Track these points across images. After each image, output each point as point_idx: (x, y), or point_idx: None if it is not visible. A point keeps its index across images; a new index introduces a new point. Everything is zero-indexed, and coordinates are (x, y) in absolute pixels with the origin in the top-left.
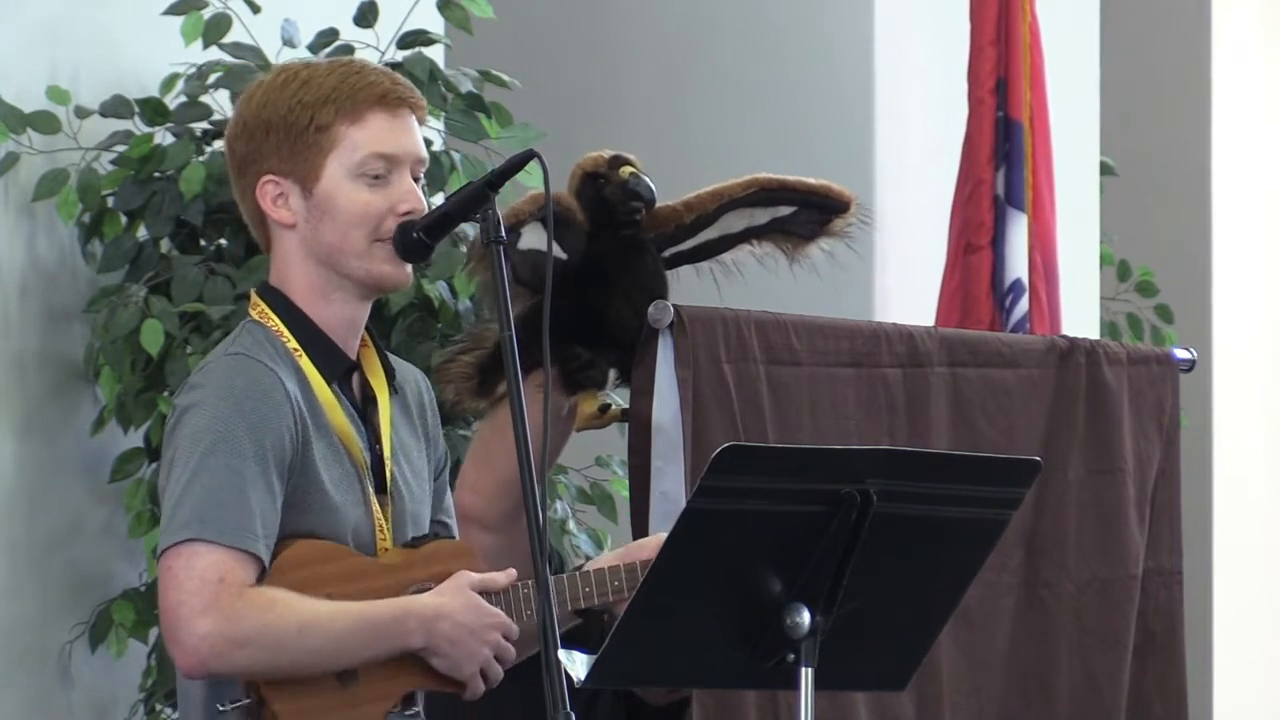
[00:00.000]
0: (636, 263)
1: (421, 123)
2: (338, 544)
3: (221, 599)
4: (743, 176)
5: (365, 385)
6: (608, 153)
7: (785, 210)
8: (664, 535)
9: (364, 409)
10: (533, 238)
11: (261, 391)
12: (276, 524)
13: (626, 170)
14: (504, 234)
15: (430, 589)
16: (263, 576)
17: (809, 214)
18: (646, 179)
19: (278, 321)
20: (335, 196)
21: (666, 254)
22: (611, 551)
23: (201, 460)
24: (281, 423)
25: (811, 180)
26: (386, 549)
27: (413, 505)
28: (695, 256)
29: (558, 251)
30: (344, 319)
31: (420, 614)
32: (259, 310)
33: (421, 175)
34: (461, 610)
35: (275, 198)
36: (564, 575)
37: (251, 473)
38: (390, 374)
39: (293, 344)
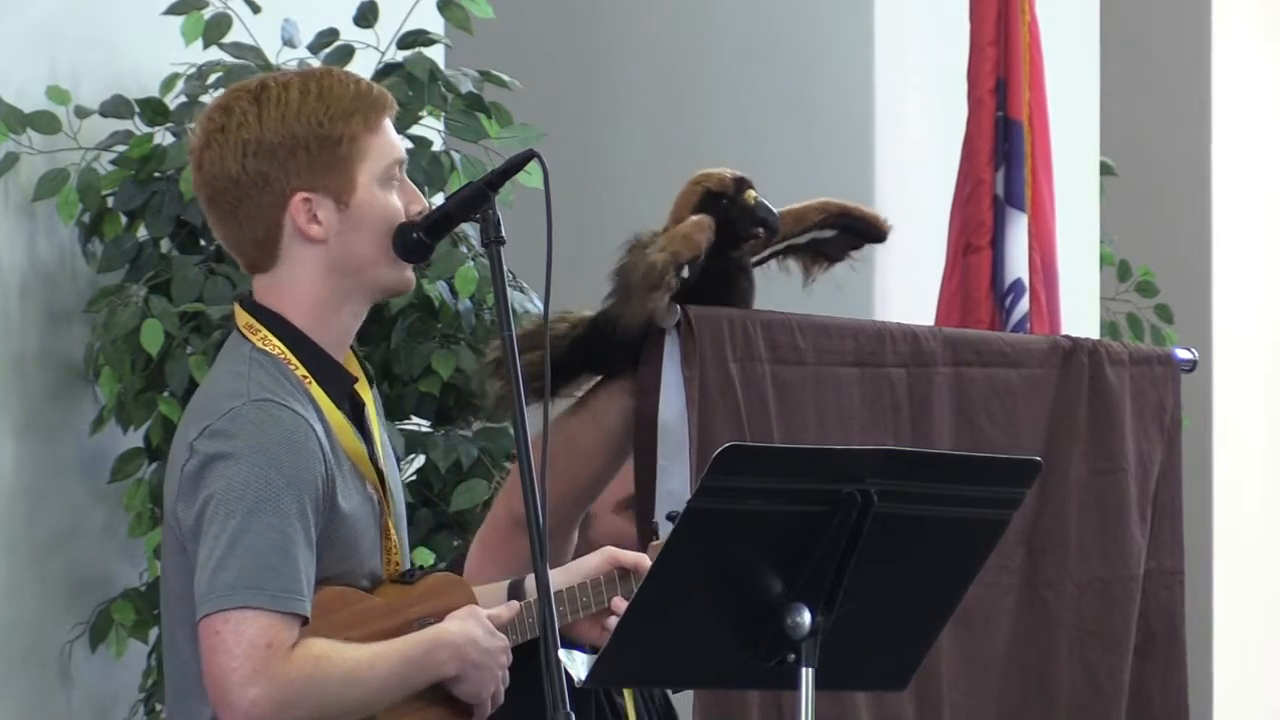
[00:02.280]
0: (742, 285)
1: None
2: (348, 588)
3: (271, 664)
4: (815, 200)
5: (353, 393)
6: (729, 173)
7: (827, 233)
8: (611, 549)
9: (356, 418)
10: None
11: (296, 442)
12: (314, 575)
13: (752, 195)
14: (503, 235)
15: (433, 623)
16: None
17: (845, 239)
18: (769, 205)
19: (281, 347)
20: (372, 206)
21: None
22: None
23: (244, 520)
24: (316, 472)
25: (866, 208)
26: (397, 563)
27: (400, 505)
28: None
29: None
30: (345, 331)
31: (450, 643)
32: (260, 336)
33: None
34: (483, 635)
35: (308, 214)
36: (527, 602)
37: (295, 530)
38: (369, 374)
39: (301, 371)
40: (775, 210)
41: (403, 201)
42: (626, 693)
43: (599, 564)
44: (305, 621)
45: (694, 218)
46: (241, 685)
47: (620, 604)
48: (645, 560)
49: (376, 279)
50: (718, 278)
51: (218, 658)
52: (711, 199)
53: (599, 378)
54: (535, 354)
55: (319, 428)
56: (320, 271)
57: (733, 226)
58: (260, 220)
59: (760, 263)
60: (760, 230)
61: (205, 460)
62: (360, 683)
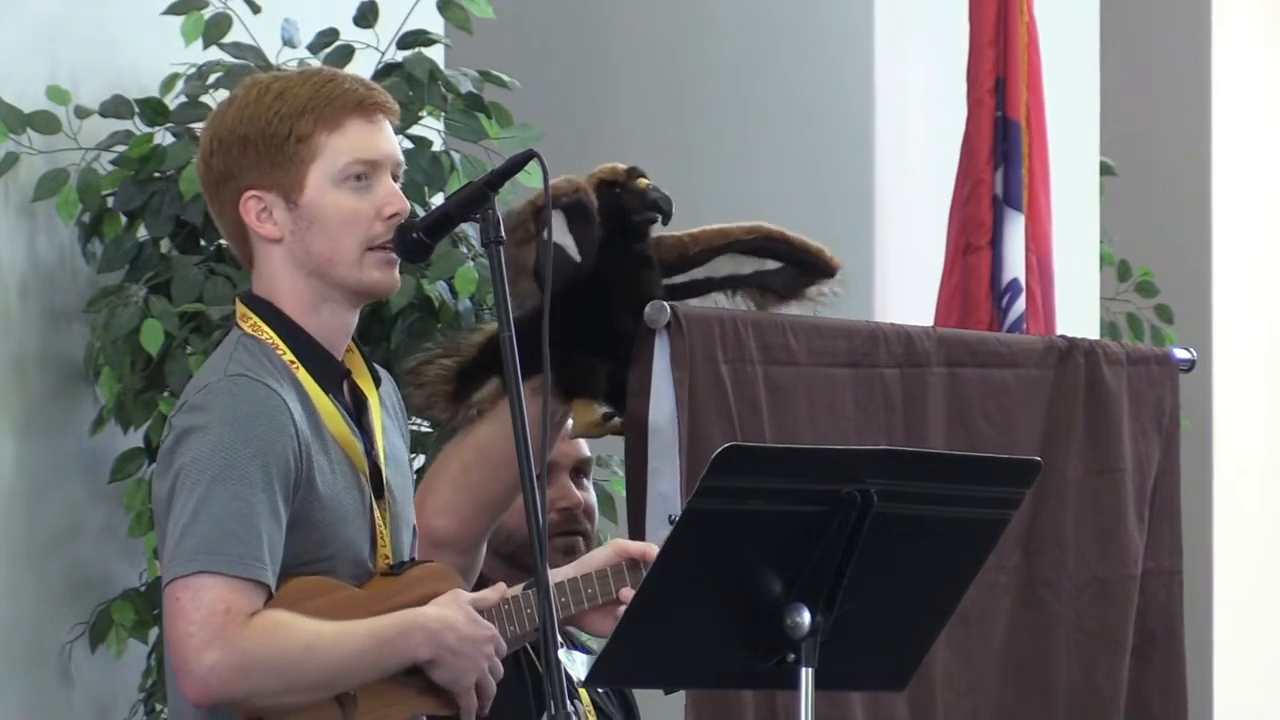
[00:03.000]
0: (645, 277)
1: (394, 125)
2: (326, 578)
3: (228, 629)
4: (749, 222)
5: (355, 389)
6: (622, 165)
7: (771, 265)
8: (620, 541)
9: (357, 414)
10: (557, 229)
11: (266, 415)
12: (282, 548)
13: (644, 182)
14: (504, 234)
15: None
16: (268, 600)
17: (792, 272)
18: (663, 192)
19: (271, 333)
20: (322, 205)
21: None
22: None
23: (209, 489)
24: (286, 446)
25: (810, 241)
26: (387, 556)
27: (404, 507)
28: (680, 293)
29: (572, 252)
30: (334, 328)
31: (426, 626)
32: (250, 323)
33: (400, 177)
34: (464, 622)
35: (259, 212)
36: (527, 592)
37: (259, 500)
38: (375, 375)
39: (288, 356)
40: (669, 197)
41: (375, 203)
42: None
43: (607, 555)
44: (269, 592)
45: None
46: (199, 651)
47: (628, 594)
48: (652, 550)
49: (343, 279)
50: (623, 271)
51: (176, 623)
52: (604, 188)
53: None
54: (449, 359)
55: (295, 407)
56: (289, 270)
57: (627, 215)
58: (226, 216)
59: (697, 293)
60: (655, 216)
61: (180, 434)
62: (324, 654)
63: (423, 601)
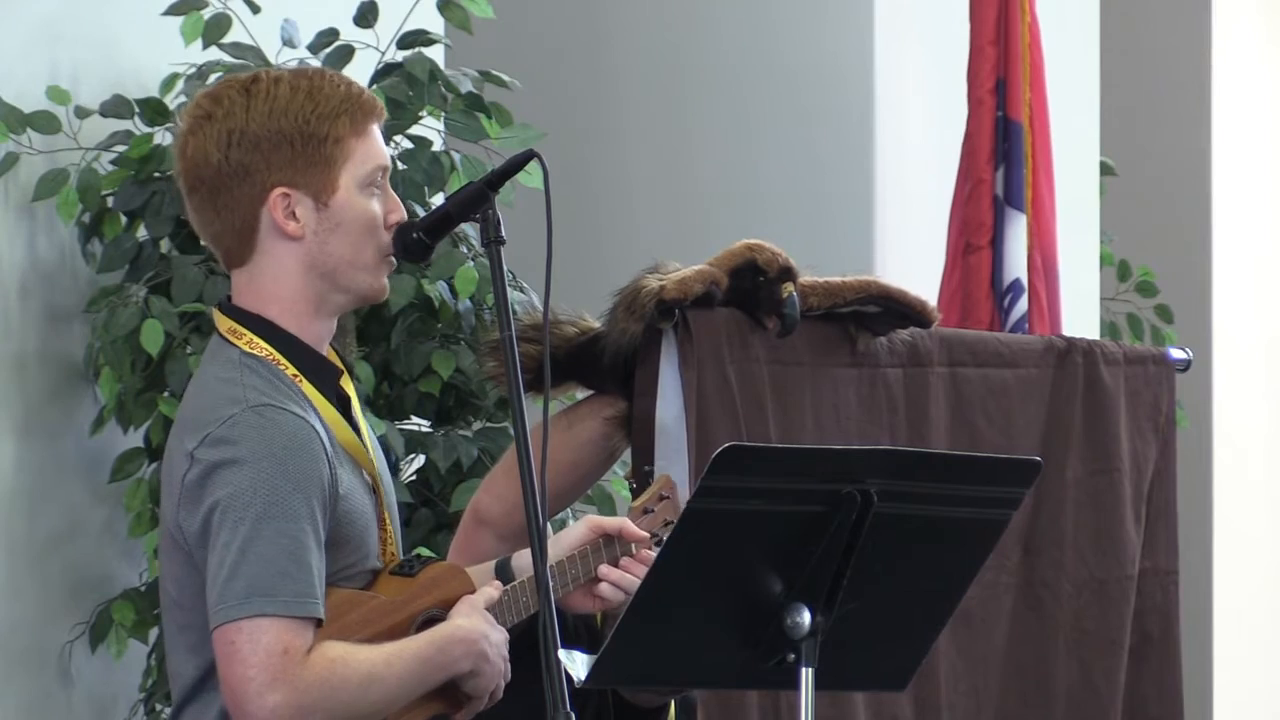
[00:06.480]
0: None
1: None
2: (354, 590)
3: (288, 670)
4: (859, 277)
5: (339, 386)
6: (782, 259)
7: (871, 308)
8: (594, 517)
9: (344, 412)
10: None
11: (300, 444)
12: (325, 576)
13: (789, 289)
14: (503, 235)
15: (439, 615)
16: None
17: (891, 318)
18: (797, 312)
19: (269, 349)
20: (351, 208)
21: None
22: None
23: (254, 527)
24: (321, 473)
25: (912, 294)
26: (394, 553)
27: (392, 496)
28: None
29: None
30: (326, 333)
31: (464, 639)
32: (245, 339)
33: None
34: (490, 630)
35: (285, 210)
36: (520, 582)
37: (305, 534)
38: (350, 367)
39: (291, 370)
40: (798, 319)
41: (383, 209)
42: None
43: (583, 534)
44: (319, 624)
45: (700, 268)
46: (260, 693)
47: (606, 571)
48: (628, 524)
49: (353, 283)
50: None
51: (234, 667)
52: (751, 269)
53: (590, 392)
54: (533, 346)
55: (320, 427)
56: (297, 270)
57: (754, 304)
58: (238, 212)
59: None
60: (776, 322)
61: (208, 468)
62: (379, 683)
63: (443, 604)
